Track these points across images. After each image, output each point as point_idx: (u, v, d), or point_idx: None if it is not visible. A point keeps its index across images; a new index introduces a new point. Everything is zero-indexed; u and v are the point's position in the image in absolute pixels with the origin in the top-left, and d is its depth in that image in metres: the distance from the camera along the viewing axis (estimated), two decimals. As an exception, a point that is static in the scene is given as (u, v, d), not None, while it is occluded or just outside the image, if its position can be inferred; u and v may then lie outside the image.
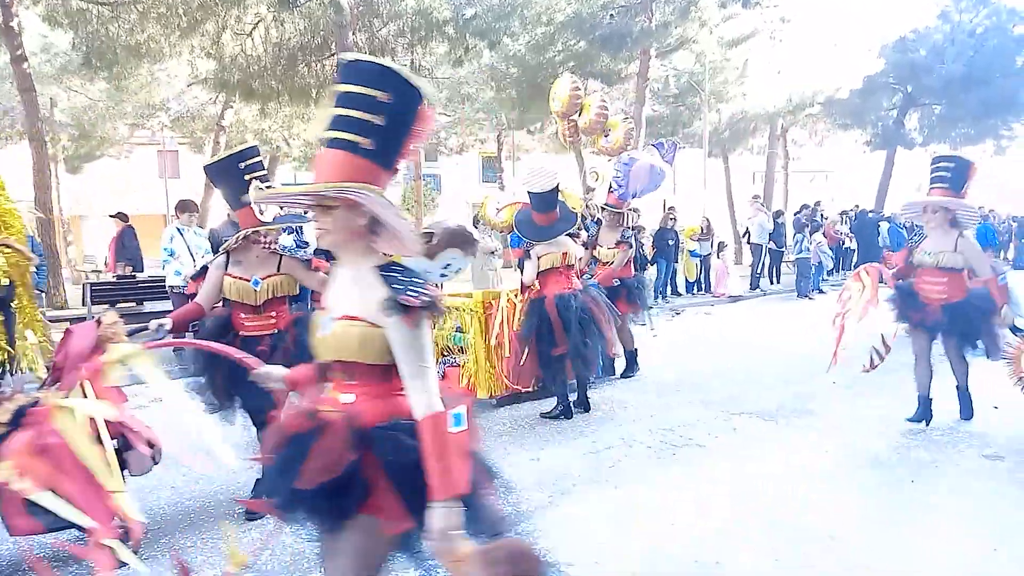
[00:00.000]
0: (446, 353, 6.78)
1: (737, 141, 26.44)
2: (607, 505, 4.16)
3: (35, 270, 7.73)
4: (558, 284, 5.90)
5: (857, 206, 20.12)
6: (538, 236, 5.95)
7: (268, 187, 3.99)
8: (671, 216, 14.11)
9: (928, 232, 5.41)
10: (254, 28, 13.57)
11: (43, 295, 8.81)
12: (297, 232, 8.83)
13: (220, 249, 4.26)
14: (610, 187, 7.37)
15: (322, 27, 13.41)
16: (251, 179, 3.95)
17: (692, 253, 15.00)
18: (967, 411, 5.66)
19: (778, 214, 17.09)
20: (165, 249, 8.13)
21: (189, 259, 7.93)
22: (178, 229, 8.25)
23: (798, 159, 30.68)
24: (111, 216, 12.05)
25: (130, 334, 3.76)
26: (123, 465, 3.44)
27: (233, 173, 4.03)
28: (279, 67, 13.84)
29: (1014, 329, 5.13)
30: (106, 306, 9.18)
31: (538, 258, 5.93)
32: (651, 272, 13.18)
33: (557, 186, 5.86)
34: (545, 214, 5.89)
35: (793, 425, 5.73)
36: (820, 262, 15.57)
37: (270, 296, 4.18)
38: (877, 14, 47.66)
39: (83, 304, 10.31)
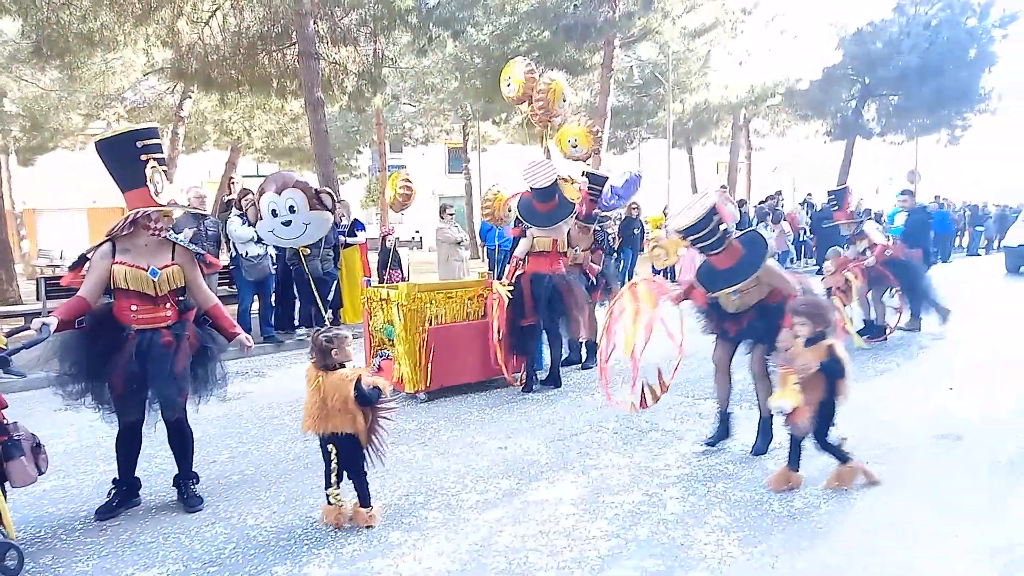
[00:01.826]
0: (380, 346, 6.77)
1: (701, 131, 26.72)
2: (575, 491, 4.19)
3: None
4: (541, 265, 6.46)
5: (810, 195, 20.38)
6: (538, 222, 6.48)
7: (164, 171, 3.90)
8: (634, 206, 14.21)
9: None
10: (211, 16, 13.26)
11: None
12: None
13: (105, 236, 3.94)
14: (595, 196, 7.43)
15: (282, 15, 13.16)
16: (147, 159, 3.79)
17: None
18: (762, 444, 4.71)
19: (741, 203, 17.30)
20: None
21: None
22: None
23: (761, 149, 31.14)
24: None
25: (9, 334, 3.64)
26: (4, 477, 3.33)
27: (129, 152, 3.80)
28: (238, 56, 13.53)
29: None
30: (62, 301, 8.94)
31: (533, 238, 6.51)
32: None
33: (556, 180, 6.35)
34: (545, 203, 6.42)
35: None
36: (783, 251, 15.83)
37: (170, 287, 3.93)
38: (836, 6, 48.46)
39: (38, 299, 10.03)
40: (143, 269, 3.83)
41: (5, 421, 3.41)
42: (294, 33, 12.81)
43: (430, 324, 6.39)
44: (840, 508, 3.85)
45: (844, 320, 7.38)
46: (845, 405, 4.11)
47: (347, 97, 14.73)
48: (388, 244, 10.28)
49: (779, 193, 18.73)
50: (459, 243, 11.45)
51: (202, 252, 4.12)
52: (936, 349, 8.08)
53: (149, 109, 20.03)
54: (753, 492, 4.08)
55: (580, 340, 7.33)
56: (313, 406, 3.69)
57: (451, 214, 11.69)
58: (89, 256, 3.88)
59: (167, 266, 3.92)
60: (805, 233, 18.38)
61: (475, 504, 4.03)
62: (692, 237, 4.36)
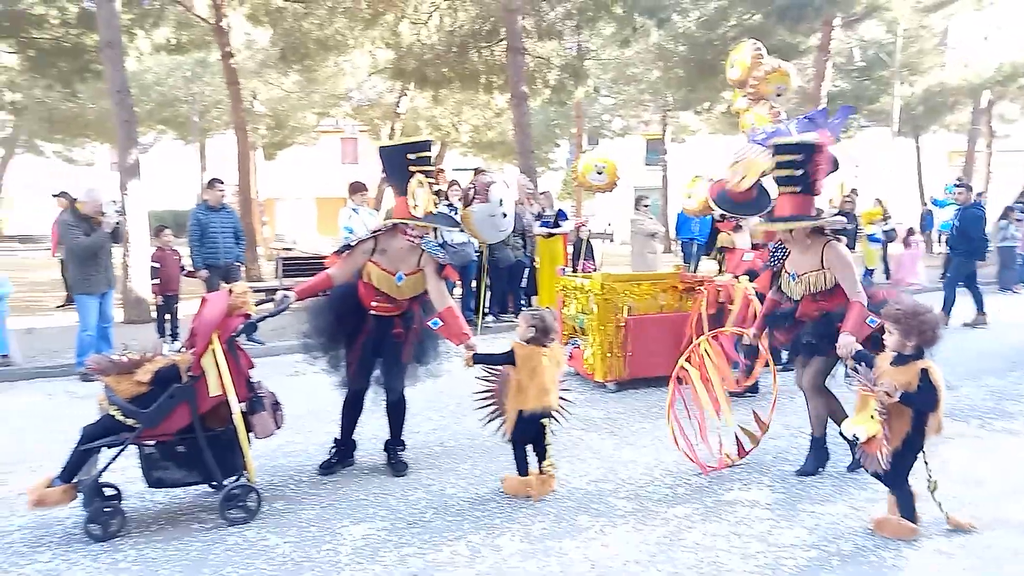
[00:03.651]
0: (572, 334, 6.84)
1: (932, 117, 23.95)
2: (770, 495, 4.00)
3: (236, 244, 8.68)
4: (763, 255, 6.07)
5: None
6: (740, 211, 6.12)
7: (430, 183, 4.23)
8: (848, 199, 13.10)
9: (788, 245, 4.27)
10: (429, 17, 14.18)
11: (241, 268, 9.79)
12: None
13: (369, 232, 4.42)
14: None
15: (492, 13, 13.74)
16: (414, 171, 4.13)
17: (871, 238, 13.86)
18: (812, 464, 4.36)
19: (979, 196, 15.34)
20: (345, 228, 8.77)
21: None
22: (354, 209, 8.88)
23: (1006, 136, 27.28)
24: (55, 195, 10.67)
25: (258, 303, 4.15)
26: (249, 428, 3.79)
27: (399, 162, 4.18)
28: (451, 54, 14.37)
29: (862, 359, 3.59)
30: (297, 279, 10.04)
31: (750, 228, 6.31)
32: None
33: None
34: (745, 191, 6.00)
35: (988, 428, 5.18)
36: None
37: (411, 294, 4.31)
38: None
39: (276, 277, 11.36)
40: (391, 274, 4.24)
41: (252, 380, 3.94)
42: (502, 29, 13.31)
43: (623, 315, 6.39)
44: (1093, 549, 3.33)
45: None
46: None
47: (550, 90, 15.06)
48: (582, 235, 10.40)
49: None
50: (653, 235, 11.29)
51: (444, 264, 4.39)
52: None
53: (371, 107, 21.86)
54: (979, 520, 3.65)
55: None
56: (539, 383, 3.95)
57: (646, 205, 11.55)
58: (353, 245, 4.35)
59: (412, 273, 4.28)
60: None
61: (663, 497, 3.99)
62: (782, 159, 4.01)
